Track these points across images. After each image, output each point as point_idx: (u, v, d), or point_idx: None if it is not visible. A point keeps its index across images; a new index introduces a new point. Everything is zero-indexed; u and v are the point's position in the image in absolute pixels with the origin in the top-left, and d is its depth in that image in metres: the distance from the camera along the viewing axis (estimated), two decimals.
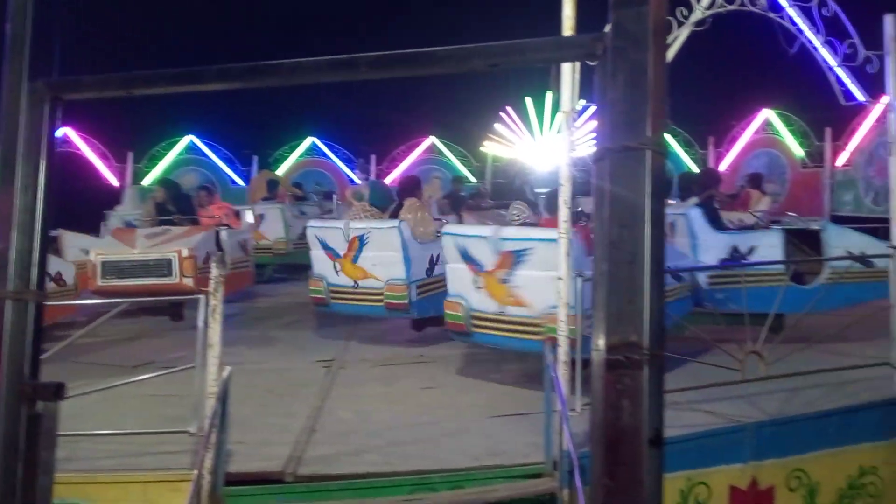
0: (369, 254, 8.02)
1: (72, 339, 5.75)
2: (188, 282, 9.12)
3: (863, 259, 7.26)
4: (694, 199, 8.29)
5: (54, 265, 8.75)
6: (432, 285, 7.99)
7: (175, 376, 5.64)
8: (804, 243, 7.96)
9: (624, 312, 1.41)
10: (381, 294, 7.94)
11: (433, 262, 8.02)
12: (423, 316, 8.08)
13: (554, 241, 5.47)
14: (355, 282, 8.16)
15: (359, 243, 8.08)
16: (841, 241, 7.69)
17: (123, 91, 1.82)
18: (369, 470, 4.75)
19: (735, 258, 7.57)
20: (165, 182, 12.48)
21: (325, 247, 8.38)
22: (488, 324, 6.48)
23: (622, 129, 1.47)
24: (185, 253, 9.26)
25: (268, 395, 6.40)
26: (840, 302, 7.15)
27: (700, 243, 7.66)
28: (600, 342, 1.43)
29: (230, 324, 4.74)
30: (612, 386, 1.40)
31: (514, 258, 6.19)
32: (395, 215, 8.56)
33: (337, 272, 8.31)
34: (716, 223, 7.95)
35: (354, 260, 8.14)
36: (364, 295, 8.13)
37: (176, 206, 10.89)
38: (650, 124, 1.44)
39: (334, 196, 16.61)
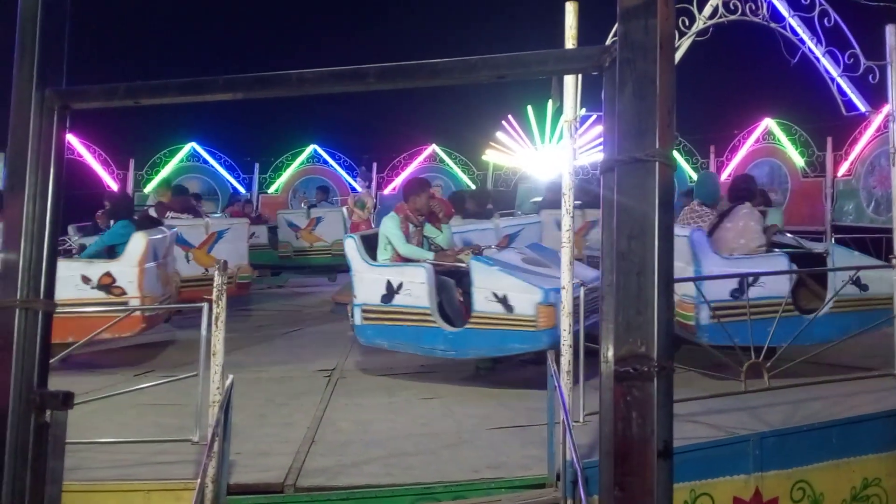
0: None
1: (74, 348, 5.74)
2: None
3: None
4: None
5: None
6: (736, 309, 6.42)
7: (174, 384, 5.62)
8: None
9: (633, 324, 1.41)
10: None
11: (743, 284, 6.47)
12: (719, 344, 6.22)
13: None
14: None
15: None
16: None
17: (131, 101, 1.82)
18: (369, 482, 4.73)
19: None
20: None
21: None
22: None
23: (630, 141, 1.47)
24: None
25: (267, 405, 6.38)
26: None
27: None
28: (609, 354, 1.43)
29: (229, 331, 4.72)
30: (622, 397, 1.40)
31: None
32: (721, 220, 7.24)
33: None
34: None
35: None
36: None
37: None
38: (659, 136, 1.45)
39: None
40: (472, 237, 7.78)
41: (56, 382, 1.81)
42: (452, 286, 7.04)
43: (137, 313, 7.28)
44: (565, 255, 5.15)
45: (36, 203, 1.74)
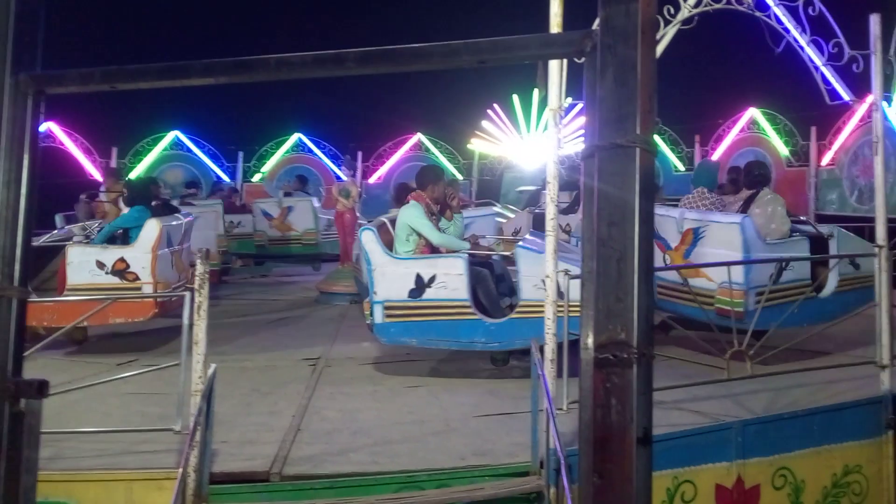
0: (704, 250, 7.07)
1: (55, 336, 5.70)
2: None
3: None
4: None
5: None
6: (778, 293, 6.65)
7: (158, 373, 5.60)
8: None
9: (613, 310, 1.41)
10: (712, 297, 6.80)
11: (781, 267, 6.72)
12: (761, 329, 6.35)
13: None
14: (685, 279, 6.83)
15: (693, 237, 7.15)
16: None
17: (107, 85, 1.80)
18: (356, 470, 4.73)
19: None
20: None
21: (656, 236, 6.70)
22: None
23: (611, 127, 1.46)
24: None
25: (252, 394, 6.36)
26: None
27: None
28: (589, 340, 1.43)
29: (213, 320, 4.69)
30: (601, 384, 1.39)
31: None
32: (746, 206, 7.39)
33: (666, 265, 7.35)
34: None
35: (686, 255, 7.24)
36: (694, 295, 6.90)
37: None
38: (640, 121, 1.44)
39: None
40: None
41: (38, 371, 1.79)
42: (487, 276, 6.76)
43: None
44: (550, 243, 5.14)
45: (10, 190, 1.71)
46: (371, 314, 6.71)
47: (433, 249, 6.93)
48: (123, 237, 7.94)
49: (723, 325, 6.10)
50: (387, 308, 6.59)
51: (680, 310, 7.06)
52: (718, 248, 6.89)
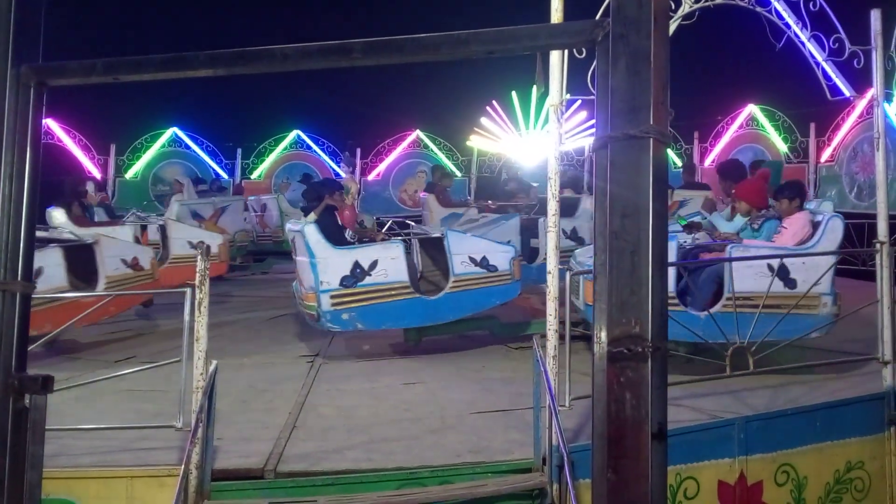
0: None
1: (54, 333, 5.67)
2: None
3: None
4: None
5: None
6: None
7: (154, 371, 5.57)
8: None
9: (626, 304, 1.38)
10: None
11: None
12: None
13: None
14: None
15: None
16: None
17: (110, 77, 1.77)
18: (351, 467, 4.71)
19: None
20: None
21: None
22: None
23: (624, 117, 1.44)
24: None
25: (249, 391, 6.34)
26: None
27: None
28: (602, 334, 1.40)
29: (210, 317, 4.67)
30: (615, 379, 1.37)
31: None
32: None
33: None
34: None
35: None
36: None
37: None
38: (653, 112, 1.41)
39: None
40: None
41: (35, 369, 1.76)
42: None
43: None
44: (551, 239, 5.11)
45: (13, 183, 1.68)
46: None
47: None
48: None
49: None
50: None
51: None
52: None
